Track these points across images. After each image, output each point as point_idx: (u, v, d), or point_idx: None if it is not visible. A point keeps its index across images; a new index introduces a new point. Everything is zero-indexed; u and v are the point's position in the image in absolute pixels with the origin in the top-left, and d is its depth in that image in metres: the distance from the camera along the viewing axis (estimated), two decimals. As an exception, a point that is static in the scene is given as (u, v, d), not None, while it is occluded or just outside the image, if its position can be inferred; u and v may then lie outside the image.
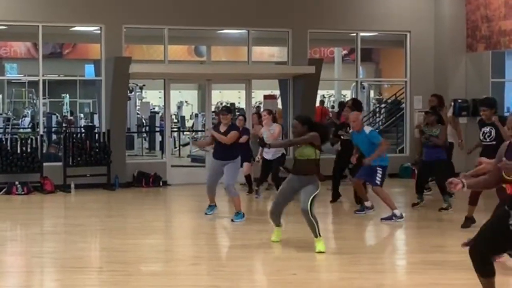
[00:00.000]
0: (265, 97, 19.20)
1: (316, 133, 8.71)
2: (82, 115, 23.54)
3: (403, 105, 18.68)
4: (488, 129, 10.14)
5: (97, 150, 15.09)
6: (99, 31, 15.61)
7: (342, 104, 13.63)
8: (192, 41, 22.65)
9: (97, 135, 15.59)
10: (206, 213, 11.43)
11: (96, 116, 19.73)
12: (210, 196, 11.37)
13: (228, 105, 20.56)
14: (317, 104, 19.56)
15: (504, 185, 5.60)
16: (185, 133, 23.78)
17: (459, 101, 16.85)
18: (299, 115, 10.04)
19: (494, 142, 9.85)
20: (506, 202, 5.56)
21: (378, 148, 10.97)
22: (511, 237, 5.45)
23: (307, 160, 8.73)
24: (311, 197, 8.61)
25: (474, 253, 5.67)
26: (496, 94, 17.09)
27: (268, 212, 9.40)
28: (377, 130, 12.08)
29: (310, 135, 8.70)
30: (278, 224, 9.21)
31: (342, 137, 12.64)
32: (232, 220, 10.91)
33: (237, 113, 16.29)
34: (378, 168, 11.01)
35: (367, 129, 11.47)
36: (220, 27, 17.36)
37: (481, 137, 10.25)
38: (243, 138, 12.59)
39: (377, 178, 10.98)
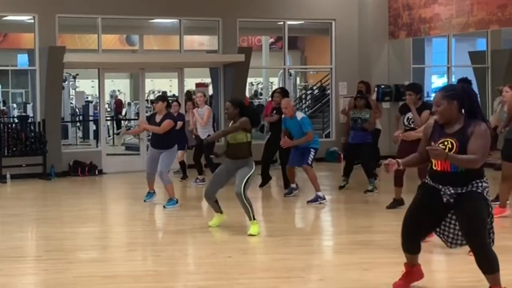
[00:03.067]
0: (197, 85, 19.50)
1: (246, 119, 9.00)
2: (14, 105, 23.36)
3: (329, 91, 19.13)
4: (411, 115, 10.28)
5: (32, 140, 15.10)
6: (32, 21, 15.59)
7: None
8: (125, 30, 22.65)
9: (32, 125, 15.57)
10: (144, 200, 11.63)
11: (29, 106, 19.70)
12: (149, 183, 11.57)
13: (161, 93, 20.73)
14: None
15: (434, 161, 5.76)
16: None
17: (382, 86, 17.34)
18: (232, 98, 10.25)
19: (416, 127, 10.03)
20: (431, 178, 5.80)
21: (304, 136, 11.40)
22: (440, 212, 5.76)
23: (239, 144, 9.03)
24: (245, 180, 8.88)
25: (404, 232, 5.98)
26: (416, 79, 17.60)
27: (204, 195, 9.53)
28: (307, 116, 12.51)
29: (240, 121, 8.98)
30: (218, 210, 9.45)
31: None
32: (163, 207, 11.10)
33: (173, 99, 16.52)
34: (311, 150, 11.46)
35: (299, 115, 11.78)
36: (152, 16, 17.52)
37: (405, 122, 10.48)
38: (178, 124, 12.90)
39: (310, 158, 11.41)
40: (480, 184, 5.63)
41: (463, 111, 5.72)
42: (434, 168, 5.76)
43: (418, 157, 6.02)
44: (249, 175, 8.94)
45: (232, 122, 9.20)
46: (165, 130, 11.27)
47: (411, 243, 6.02)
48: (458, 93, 5.72)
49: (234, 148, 9.10)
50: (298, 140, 11.50)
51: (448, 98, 5.68)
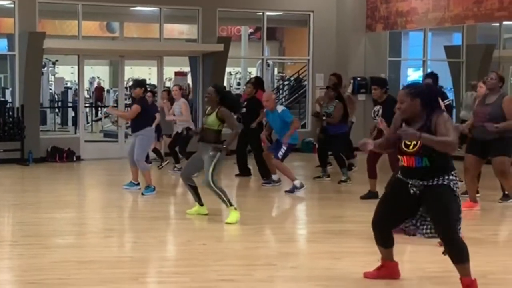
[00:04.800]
0: (176, 73, 19.56)
1: (228, 111, 9.16)
2: (-7, 90, 23.33)
3: (305, 82, 19.27)
4: (377, 108, 10.54)
5: (10, 125, 15.10)
6: (12, 5, 15.54)
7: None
8: (105, 17, 22.59)
9: (10, 110, 15.56)
10: (124, 186, 11.65)
11: (8, 91, 19.68)
12: (132, 172, 11.56)
13: (139, 79, 20.74)
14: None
15: (400, 157, 5.91)
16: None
17: (358, 79, 17.53)
18: (216, 84, 10.27)
19: None
20: (401, 173, 5.96)
21: (291, 126, 11.45)
22: (409, 204, 5.89)
23: (210, 129, 9.17)
24: (211, 169, 8.98)
25: (376, 226, 6.15)
26: (392, 72, 17.88)
27: (180, 175, 9.70)
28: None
29: (232, 121, 9.25)
30: (197, 200, 9.51)
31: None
32: (142, 194, 11.19)
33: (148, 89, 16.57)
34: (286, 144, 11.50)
35: (280, 108, 11.80)
36: (132, 4, 17.57)
37: (372, 115, 10.72)
38: (157, 119, 13.02)
39: (280, 152, 11.44)
40: (446, 177, 5.77)
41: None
42: (402, 163, 5.92)
43: (386, 141, 6.21)
44: (214, 162, 9.03)
45: (210, 107, 9.31)
46: (132, 115, 11.35)
47: (382, 234, 6.16)
48: (421, 91, 5.89)
49: (205, 132, 9.23)
50: (289, 132, 11.43)
51: (411, 96, 5.83)
